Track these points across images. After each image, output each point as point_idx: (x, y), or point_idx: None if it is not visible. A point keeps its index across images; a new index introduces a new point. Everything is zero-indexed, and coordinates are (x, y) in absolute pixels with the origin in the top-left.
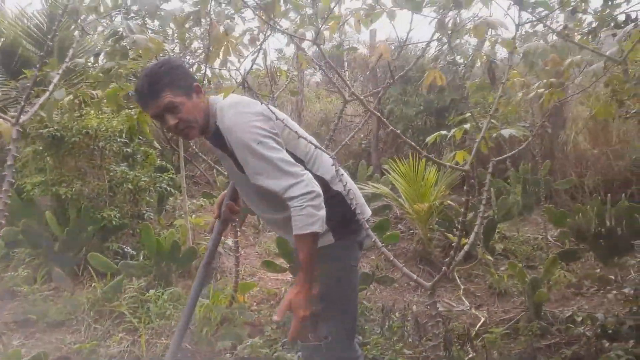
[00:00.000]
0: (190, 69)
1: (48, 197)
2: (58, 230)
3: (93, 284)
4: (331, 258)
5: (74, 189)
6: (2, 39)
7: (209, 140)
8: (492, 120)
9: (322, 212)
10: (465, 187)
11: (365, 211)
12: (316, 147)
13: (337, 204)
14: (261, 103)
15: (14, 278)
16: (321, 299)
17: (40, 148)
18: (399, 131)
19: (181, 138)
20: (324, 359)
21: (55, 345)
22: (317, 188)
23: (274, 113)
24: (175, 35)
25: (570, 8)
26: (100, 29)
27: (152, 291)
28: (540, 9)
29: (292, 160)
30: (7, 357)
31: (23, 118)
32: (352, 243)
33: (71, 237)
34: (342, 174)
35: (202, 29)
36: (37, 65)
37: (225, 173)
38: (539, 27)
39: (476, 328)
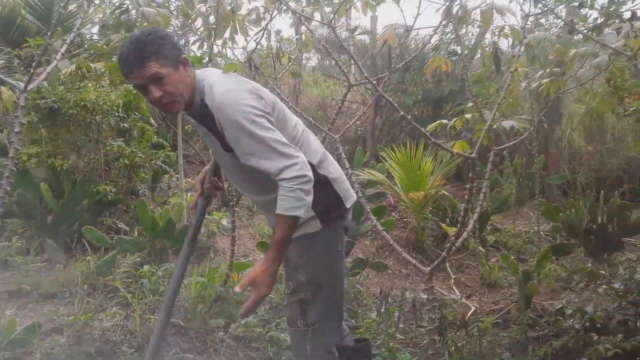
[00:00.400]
0: (193, 45)
1: (43, 169)
2: (52, 202)
3: (87, 258)
4: (319, 245)
5: (69, 162)
6: (0, 8)
7: (192, 117)
8: (491, 112)
9: (310, 198)
10: (470, 175)
11: (351, 195)
12: (320, 128)
13: (323, 189)
14: (266, 83)
15: (7, 248)
16: (309, 285)
17: (36, 119)
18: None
19: (163, 111)
20: (313, 344)
21: (48, 317)
22: (310, 173)
23: (262, 93)
24: (181, 10)
25: (576, 3)
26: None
27: (146, 267)
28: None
29: (285, 140)
30: (2, 326)
31: (31, 85)
32: (339, 228)
33: (65, 210)
34: (328, 157)
35: (207, 6)
36: (49, 34)
37: None
38: (543, 20)
39: (467, 317)
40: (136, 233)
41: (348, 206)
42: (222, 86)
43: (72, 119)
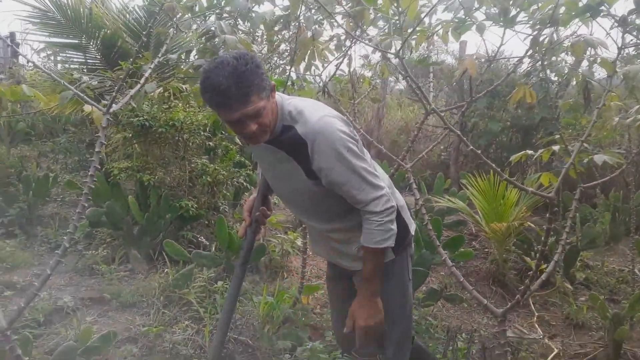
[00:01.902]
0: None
1: (132, 182)
2: (138, 215)
3: (166, 270)
4: (393, 274)
5: (156, 177)
6: (104, 30)
7: (270, 143)
8: (584, 144)
9: (395, 228)
10: (547, 215)
11: (412, 222)
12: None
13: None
14: (342, 110)
15: (94, 256)
16: (386, 317)
17: (130, 135)
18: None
19: (248, 142)
20: None
21: (125, 326)
22: (394, 203)
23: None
24: (264, 37)
25: None
26: (194, 27)
27: (220, 283)
28: None
29: (374, 170)
30: (80, 333)
31: (114, 107)
32: (408, 256)
33: (150, 223)
34: (392, 185)
35: (290, 32)
36: (132, 59)
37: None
38: None
39: (548, 359)
40: (214, 248)
41: (412, 233)
42: (316, 112)
43: (162, 136)
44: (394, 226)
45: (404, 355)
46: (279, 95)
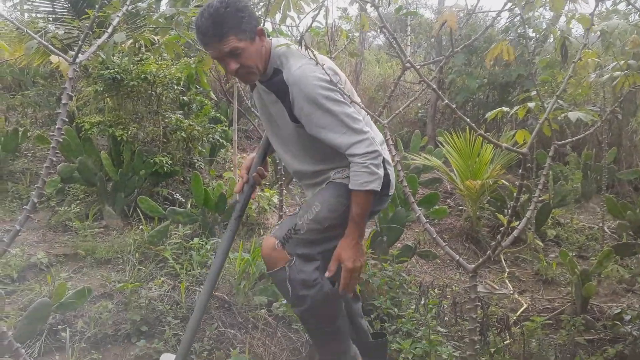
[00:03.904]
0: None
1: (105, 138)
2: (112, 171)
3: (141, 227)
4: (349, 199)
5: (129, 132)
6: None
7: (263, 84)
8: (558, 101)
9: (382, 172)
10: (520, 171)
11: (393, 182)
12: (368, 113)
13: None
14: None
15: (67, 213)
16: (314, 221)
17: (101, 89)
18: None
19: (240, 80)
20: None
21: (100, 282)
22: (379, 148)
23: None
24: None
25: None
26: None
27: (196, 239)
28: None
29: (356, 115)
30: (54, 289)
31: (80, 58)
32: (374, 207)
33: (124, 179)
34: (384, 141)
35: None
36: (98, 6)
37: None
38: (621, 6)
39: (517, 314)
40: (190, 205)
41: (391, 192)
42: (299, 59)
43: (134, 90)
44: (380, 171)
45: (311, 259)
46: (275, 39)
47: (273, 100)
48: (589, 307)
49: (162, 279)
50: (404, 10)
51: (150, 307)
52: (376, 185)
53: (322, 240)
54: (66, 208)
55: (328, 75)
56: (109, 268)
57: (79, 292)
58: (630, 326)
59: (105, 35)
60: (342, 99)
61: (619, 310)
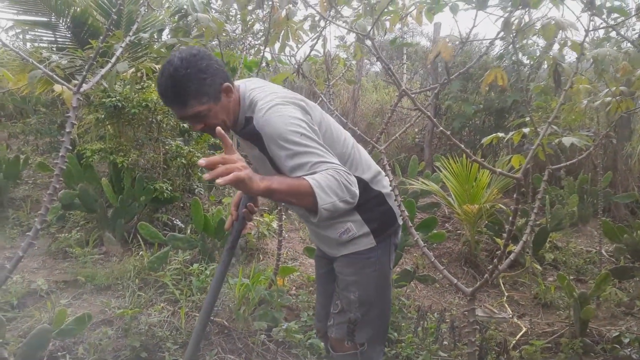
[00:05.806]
0: (251, 51)
1: (106, 165)
2: (112, 197)
3: (140, 252)
4: (372, 263)
5: (130, 159)
6: (74, 8)
7: (238, 134)
8: (552, 126)
9: (341, 205)
10: (515, 195)
11: (399, 215)
12: (368, 141)
13: (377, 205)
14: (313, 93)
15: (67, 239)
16: (360, 305)
17: (102, 116)
18: (455, 128)
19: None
20: None
21: (100, 308)
22: (356, 188)
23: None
24: (238, 16)
25: None
26: (166, 5)
27: (195, 265)
28: (615, 15)
29: (328, 149)
30: (54, 315)
31: (84, 87)
32: (391, 245)
33: (124, 205)
34: (381, 172)
35: (264, 12)
36: (102, 37)
37: None
38: (614, 34)
39: (516, 338)
40: (189, 231)
41: (400, 222)
42: (267, 103)
43: (135, 117)
44: (347, 196)
45: (376, 349)
46: (243, 84)
47: (251, 146)
48: (587, 330)
49: (162, 304)
50: (400, 41)
51: (149, 333)
52: (323, 202)
53: (378, 305)
54: (66, 234)
55: (298, 109)
56: (108, 294)
57: (79, 318)
58: (629, 349)
59: (109, 65)
60: (313, 136)
61: (618, 333)
